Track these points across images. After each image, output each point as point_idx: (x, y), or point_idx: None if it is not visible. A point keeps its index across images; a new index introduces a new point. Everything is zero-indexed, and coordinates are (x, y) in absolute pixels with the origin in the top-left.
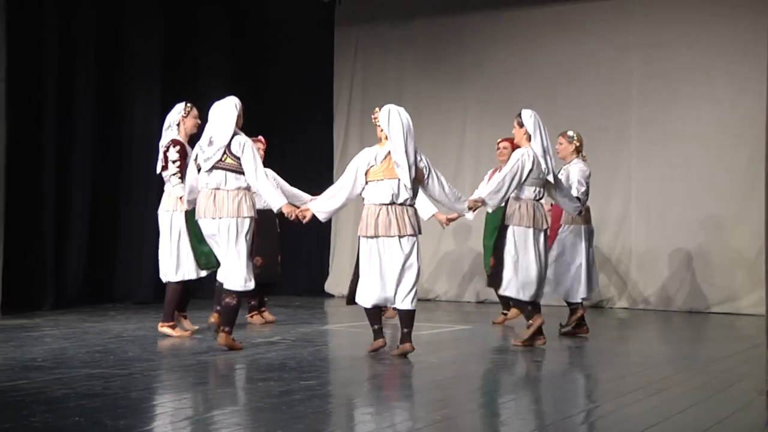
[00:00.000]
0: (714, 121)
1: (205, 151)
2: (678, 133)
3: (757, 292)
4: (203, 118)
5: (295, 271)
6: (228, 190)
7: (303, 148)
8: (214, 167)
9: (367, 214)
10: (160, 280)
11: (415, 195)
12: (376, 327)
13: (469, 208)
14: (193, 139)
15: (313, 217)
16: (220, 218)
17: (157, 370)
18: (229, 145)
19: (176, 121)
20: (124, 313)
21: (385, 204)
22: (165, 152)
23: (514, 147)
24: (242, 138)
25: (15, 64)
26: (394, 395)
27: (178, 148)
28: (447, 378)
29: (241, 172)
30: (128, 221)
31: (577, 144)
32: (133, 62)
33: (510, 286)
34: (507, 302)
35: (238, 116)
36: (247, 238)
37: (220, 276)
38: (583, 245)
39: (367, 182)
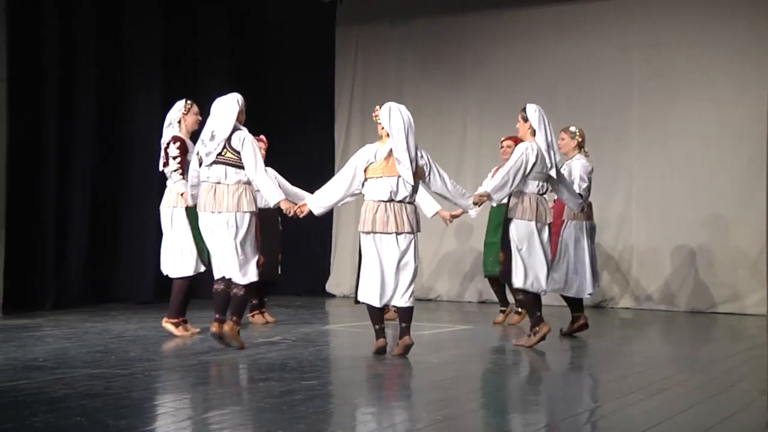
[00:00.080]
0: (714, 121)
1: (207, 145)
2: (678, 133)
3: (759, 292)
4: (204, 117)
5: (296, 271)
6: (228, 185)
7: (304, 148)
8: (214, 161)
9: (366, 209)
10: (161, 279)
11: (414, 192)
12: (377, 327)
13: (474, 203)
14: (195, 135)
15: (311, 213)
16: (219, 212)
17: (159, 370)
18: (229, 140)
19: (177, 118)
20: (125, 313)
21: (383, 201)
22: (166, 149)
23: (518, 144)
24: (243, 133)
25: (15, 64)
26: (395, 395)
27: (178, 144)
28: (448, 378)
29: (242, 167)
30: (129, 221)
31: (579, 139)
32: (133, 62)
33: (520, 278)
34: (506, 300)
35: (240, 111)
36: (249, 231)
37: (217, 273)
38: (585, 242)
39: (366, 179)
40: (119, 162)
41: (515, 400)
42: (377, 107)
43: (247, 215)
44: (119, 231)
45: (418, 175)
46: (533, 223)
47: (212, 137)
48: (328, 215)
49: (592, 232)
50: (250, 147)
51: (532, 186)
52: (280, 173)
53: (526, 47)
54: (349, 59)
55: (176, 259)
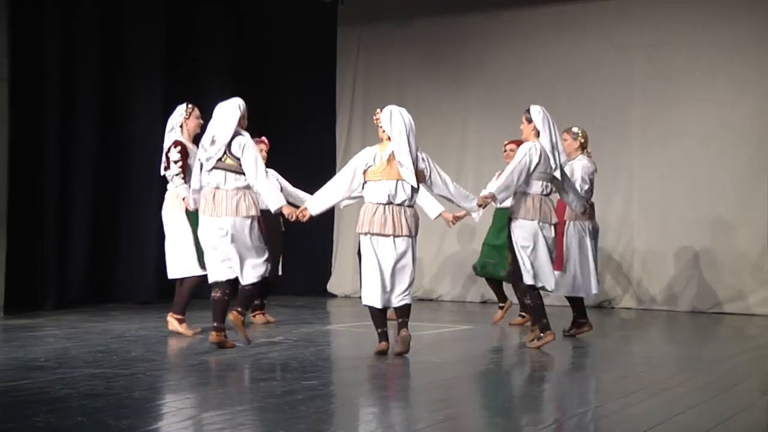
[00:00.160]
0: (714, 121)
1: (207, 150)
2: (679, 133)
3: (761, 292)
4: (205, 118)
5: (297, 271)
6: (227, 190)
7: (305, 149)
8: (214, 167)
9: (365, 211)
10: (162, 279)
11: (414, 195)
12: (379, 331)
13: (479, 205)
14: (197, 139)
15: (313, 216)
16: (218, 217)
17: (160, 370)
18: (229, 145)
19: (178, 122)
20: (126, 313)
21: (382, 204)
22: (167, 153)
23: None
24: (243, 139)
25: (16, 64)
26: (397, 395)
27: (179, 148)
28: (449, 378)
29: (241, 173)
30: (130, 221)
31: (582, 140)
32: (133, 62)
33: (527, 277)
34: (504, 296)
35: (241, 117)
36: (249, 235)
37: (212, 278)
38: (589, 242)
39: (365, 182)
40: (120, 162)
41: (517, 400)
42: (378, 110)
43: (246, 220)
44: (120, 231)
45: (418, 178)
46: (536, 222)
47: (212, 142)
48: (330, 216)
49: (595, 232)
50: (251, 153)
51: (536, 186)
52: (280, 174)
53: (526, 47)
54: (351, 59)
55: (183, 261)
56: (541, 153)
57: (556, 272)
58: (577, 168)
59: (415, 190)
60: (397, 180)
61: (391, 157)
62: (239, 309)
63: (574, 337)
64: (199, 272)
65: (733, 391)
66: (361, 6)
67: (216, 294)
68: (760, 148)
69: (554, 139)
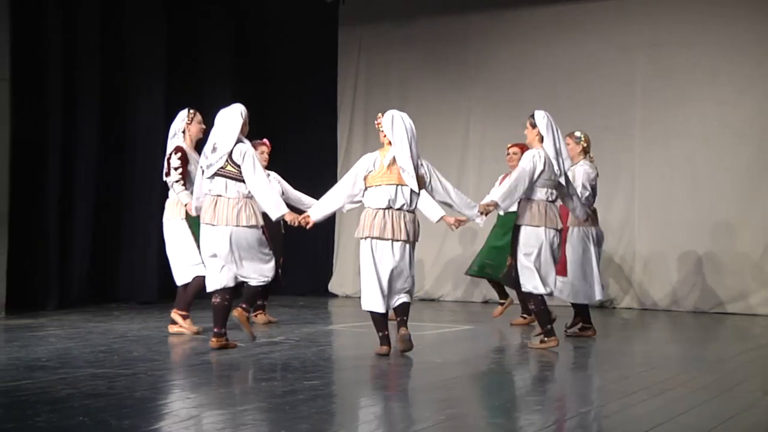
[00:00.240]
0: (715, 121)
1: (209, 158)
2: (680, 133)
3: (762, 292)
4: (207, 122)
5: (299, 271)
6: (229, 198)
7: (305, 149)
8: (215, 174)
9: (365, 216)
10: (163, 280)
11: (414, 200)
12: (381, 335)
13: (481, 213)
14: (200, 144)
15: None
16: (218, 226)
17: (162, 370)
18: (231, 153)
19: (181, 128)
20: (128, 313)
21: (382, 208)
22: (168, 159)
23: (524, 152)
24: (245, 146)
25: (18, 63)
26: (398, 395)
27: (179, 155)
28: (451, 378)
29: (242, 180)
30: (132, 221)
31: (584, 145)
32: (134, 62)
33: (528, 283)
34: (504, 293)
35: (243, 123)
36: (248, 244)
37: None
38: (592, 248)
39: (366, 188)
40: (121, 162)
41: (519, 400)
42: (379, 115)
43: (247, 230)
44: (121, 231)
45: (419, 183)
46: (542, 228)
47: (214, 149)
48: (332, 217)
49: (599, 239)
50: (251, 161)
51: (541, 193)
52: (281, 175)
53: (527, 47)
54: (352, 59)
55: (188, 265)
56: (545, 160)
57: (559, 277)
58: (579, 174)
59: (415, 195)
60: (397, 185)
61: (392, 162)
62: (244, 305)
63: (575, 336)
64: (205, 272)
65: (735, 391)
66: (362, 6)
67: (216, 299)
68: (760, 148)
69: (558, 145)
